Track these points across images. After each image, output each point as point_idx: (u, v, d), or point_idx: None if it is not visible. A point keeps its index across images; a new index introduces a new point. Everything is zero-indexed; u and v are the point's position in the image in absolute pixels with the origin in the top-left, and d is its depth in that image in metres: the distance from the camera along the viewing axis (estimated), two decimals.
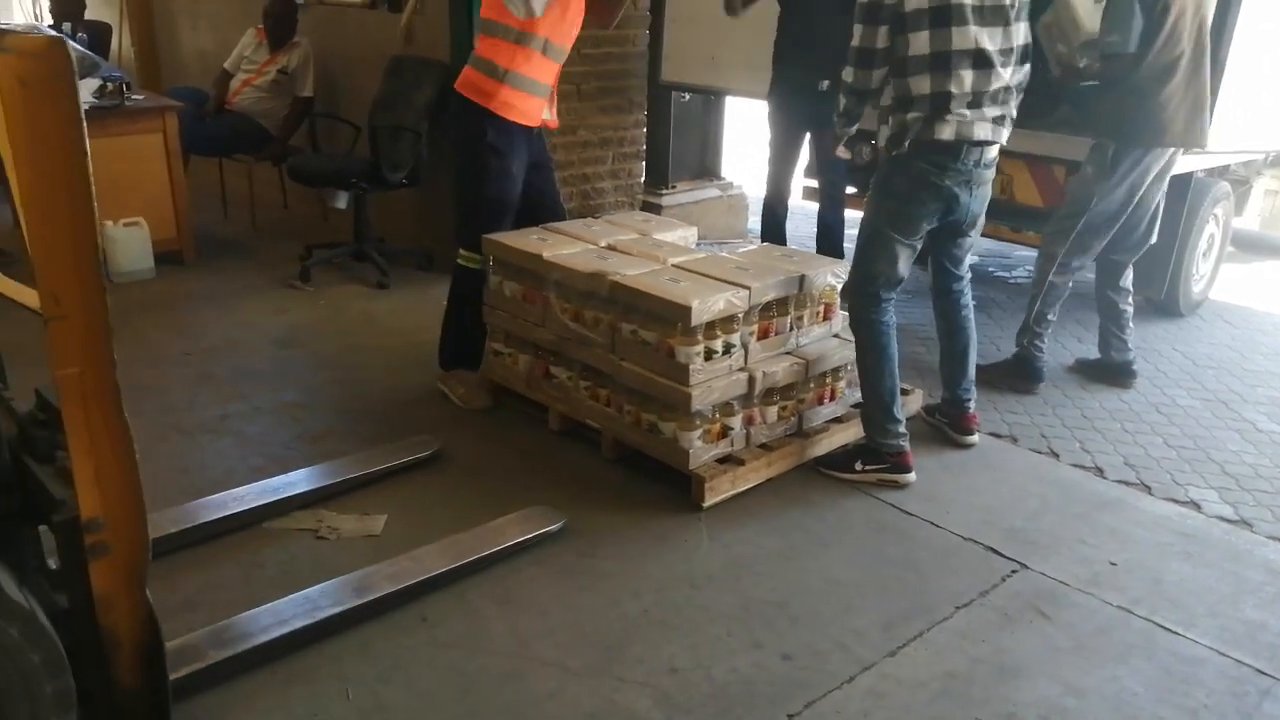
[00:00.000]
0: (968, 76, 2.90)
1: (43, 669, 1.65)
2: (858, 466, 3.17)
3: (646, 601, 2.55)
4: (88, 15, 6.95)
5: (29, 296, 1.79)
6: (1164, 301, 4.87)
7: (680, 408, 2.94)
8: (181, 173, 5.08)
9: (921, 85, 2.91)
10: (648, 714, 2.16)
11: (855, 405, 3.45)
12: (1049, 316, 3.95)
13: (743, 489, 3.06)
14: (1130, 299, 4.06)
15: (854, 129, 3.25)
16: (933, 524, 2.96)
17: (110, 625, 1.79)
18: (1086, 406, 3.88)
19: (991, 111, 2.98)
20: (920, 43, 2.89)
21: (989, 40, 2.90)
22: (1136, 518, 3.05)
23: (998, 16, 2.92)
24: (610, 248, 3.38)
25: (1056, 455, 3.47)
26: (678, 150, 5.94)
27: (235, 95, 5.69)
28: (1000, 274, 5.72)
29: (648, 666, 2.31)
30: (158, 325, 4.26)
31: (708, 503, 2.97)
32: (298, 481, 2.96)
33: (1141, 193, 3.76)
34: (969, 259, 3.40)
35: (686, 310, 2.84)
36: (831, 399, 3.38)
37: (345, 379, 3.83)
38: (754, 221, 6.35)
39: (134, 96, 5.03)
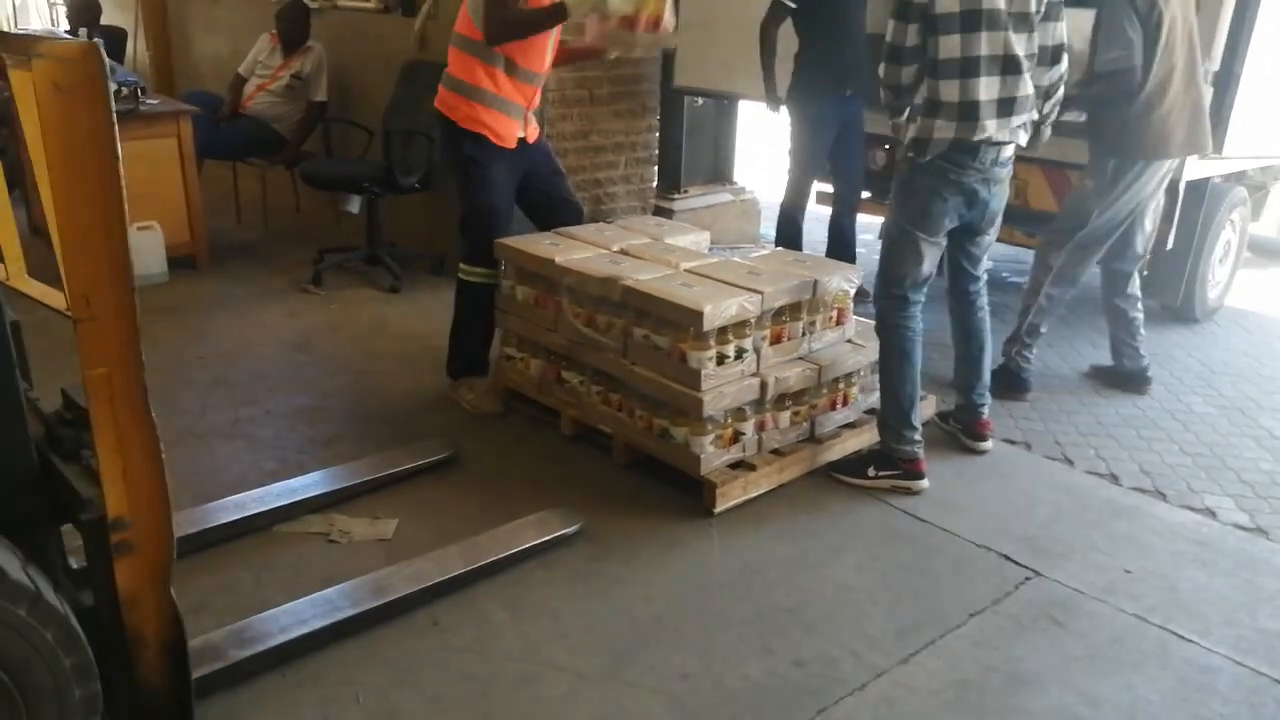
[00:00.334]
0: (995, 82, 2.90)
1: (73, 674, 1.66)
2: (870, 472, 3.16)
3: (658, 607, 2.54)
4: (103, 20, 7.00)
5: (54, 298, 1.80)
6: (1180, 307, 4.84)
7: (692, 413, 2.93)
8: (195, 177, 5.09)
9: (950, 91, 2.92)
10: None
11: (869, 411, 3.44)
12: (1042, 329, 3.93)
13: (754, 495, 3.05)
14: (1140, 305, 4.03)
15: (904, 118, 3.20)
16: (946, 531, 2.94)
17: (135, 624, 1.80)
18: (1101, 413, 3.86)
19: (1018, 119, 2.99)
20: (951, 46, 2.89)
21: (1018, 45, 2.91)
22: (1151, 525, 3.03)
23: (1023, 23, 2.92)
24: (623, 252, 3.38)
25: (1071, 462, 3.45)
26: (690, 155, 5.94)
27: (249, 100, 5.72)
28: (1014, 280, 5.68)
29: (659, 672, 2.30)
30: (171, 329, 4.28)
31: (719, 508, 2.96)
32: (310, 485, 2.97)
33: (1142, 203, 3.74)
34: (985, 261, 3.39)
35: (699, 315, 2.84)
36: (844, 404, 3.37)
37: (357, 383, 3.84)
38: (766, 226, 6.35)
39: (149, 101, 5.06)
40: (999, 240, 3.63)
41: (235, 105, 5.75)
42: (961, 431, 3.47)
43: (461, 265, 3.58)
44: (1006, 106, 2.95)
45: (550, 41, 3.44)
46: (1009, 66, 2.91)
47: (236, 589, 2.53)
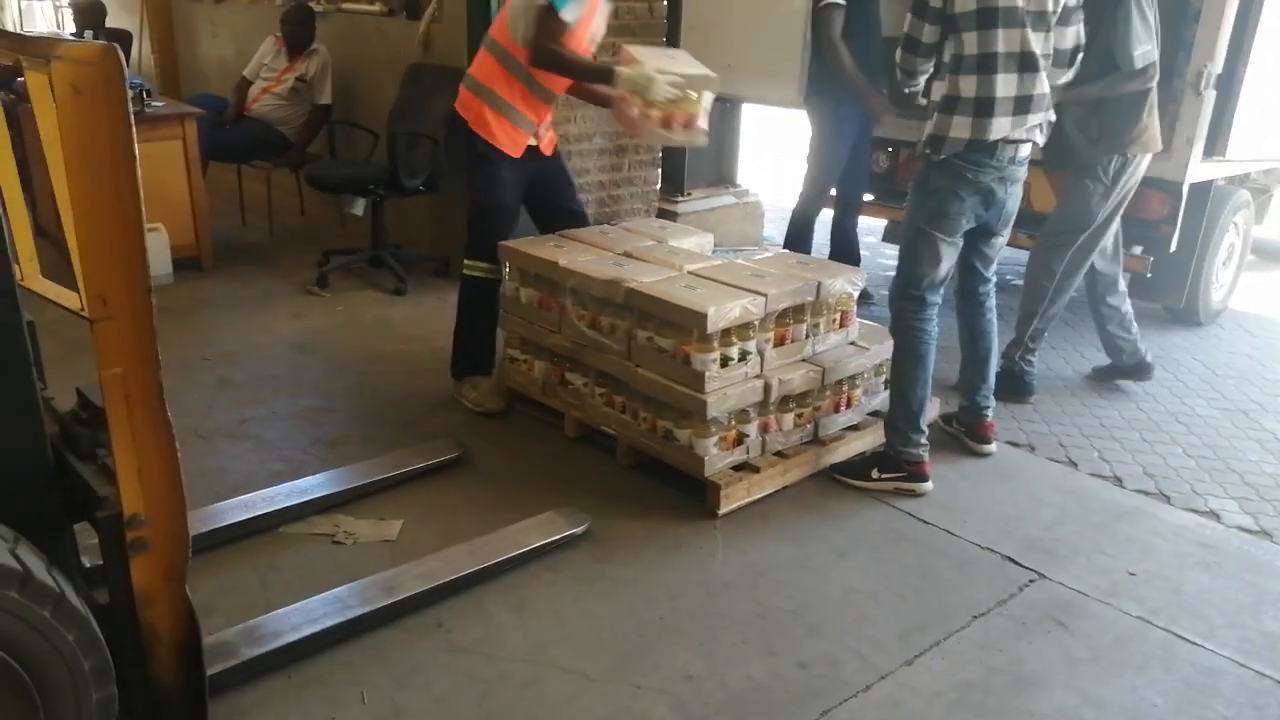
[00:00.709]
0: (1013, 80, 2.91)
1: (92, 676, 1.67)
2: (874, 474, 3.16)
3: (662, 608, 2.54)
4: (108, 23, 7.02)
5: (69, 298, 1.81)
6: (1183, 310, 4.84)
7: (696, 414, 2.94)
8: (200, 179, 5.11)
9: (969, 86, 2.93)
10: None
11: (872, 413, 3.44)
12: (1045, 333, 3.94)
13: (758, 496, 3.06)
14: (1127, 299, 4.04)
15: (919, 86, 3.23)
16: (950, 533, 2.95)
17: (150, 621, 1.81)
18: (1105, 415, 3.86)
19: (1034, 117, 2.99)
20: (969, 43, 2.91)
21: (1036, 44, 2.91)
22: (1155, 528, 3.03)
23: (1040, 22, 2.93)
24: (626, 254, 3.39)
25: (1075, 464, 3.45)
26: (694, 158, 5.94)
27: (254, 102, 5.73)
28: (1017, 282, 5.67)
29: (664, 673, 2.30)
30: (176, 331, 4.29)
31: (723, 510, 2.97)
32: (315, 486, 2.98)
33: (1125, 199, 3.78)
34: (995, 263, 3.40)
35: (703, 317, 2.84)
36: (848, 407, 3.38)
37: (362, 384, 3.85)
38: (770, 229, 6.36)
39: (154, 103, 5.08)
40: None
41: (240, 108, 5.76)
42: (965, 434, 3.47)
43: (465, 260, 3.60)
44: (1024, 104, 2.95)
45: None
46: (1026, 64, 2.92)
47: (242, 589, 2.54)
